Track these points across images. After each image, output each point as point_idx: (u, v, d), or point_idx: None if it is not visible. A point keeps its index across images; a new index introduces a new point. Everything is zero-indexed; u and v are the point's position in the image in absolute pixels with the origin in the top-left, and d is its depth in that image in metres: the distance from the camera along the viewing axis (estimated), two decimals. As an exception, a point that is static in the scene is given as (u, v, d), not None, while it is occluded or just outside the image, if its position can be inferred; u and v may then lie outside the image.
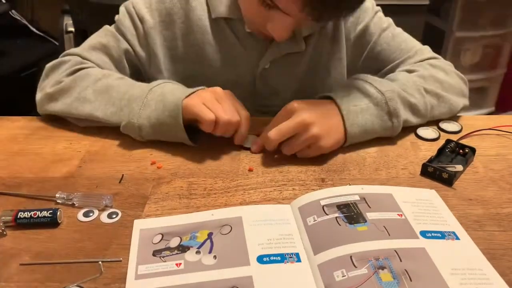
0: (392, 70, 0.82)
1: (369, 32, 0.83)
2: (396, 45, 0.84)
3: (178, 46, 0.81)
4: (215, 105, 0.66)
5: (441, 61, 0.82)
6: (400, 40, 0.84)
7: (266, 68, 0.81)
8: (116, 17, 0.82)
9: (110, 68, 0.80)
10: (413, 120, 0.73)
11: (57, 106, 0.74)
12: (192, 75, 0.81)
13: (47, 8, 2.15)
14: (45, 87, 0.76)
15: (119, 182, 0.63)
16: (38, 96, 0.77)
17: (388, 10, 2.12)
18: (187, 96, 0.66)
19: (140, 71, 0.83)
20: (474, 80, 2.23)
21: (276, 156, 0.68)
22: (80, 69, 0.75)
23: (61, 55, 0.80)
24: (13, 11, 2.12)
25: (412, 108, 0.72)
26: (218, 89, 0.68)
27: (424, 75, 0.76)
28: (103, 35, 0.81)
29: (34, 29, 2.12)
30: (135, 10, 0.79)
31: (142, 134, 0.70)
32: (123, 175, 0.64)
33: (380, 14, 0.86)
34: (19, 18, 2.13)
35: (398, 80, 0.74)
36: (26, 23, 2.13)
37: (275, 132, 0.65)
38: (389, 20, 0.86)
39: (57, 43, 1.99)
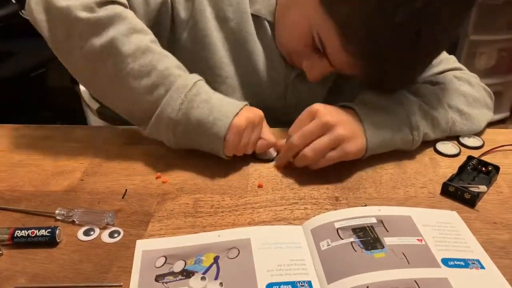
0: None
1: None
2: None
3: (222, 27, 0.74)
4: (248, 136, 0.63)
5: (466, 73, 0.79)
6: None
7: (297, 78, 0.78)
8: None
9: (141, 13, 0.69)
10: (432, 135, 0.69)
11: (79, 44, 0.61)
12: (218, 72, 0.76)
13: (57, 8, 2.14)
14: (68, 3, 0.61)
15: (122, 197, 0.60)
16: (58, 5, 0.61)
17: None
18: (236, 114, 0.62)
19: (160, 33, 0.72)
20: (488, 85, 2.15)
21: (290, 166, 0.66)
22: (113, 2, 0.63)
23: None
24: (22, 11, 2.11)
25: (433, 122, 0.68)
26: (258, 115, 0.64)
27: (448, 88, 0.73)
28: None
29: (43, 30, 2.11)
30: None
31: (175, 132, 0.63)
32: (126, 190, 0.61)
33: None
34: (28, 19, 2.13)
35: (421, 92, 0.70)
36: (36, 23, 2.12)
37: (298, 136, 0.62)
38: None
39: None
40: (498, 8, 2.00)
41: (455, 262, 0.49)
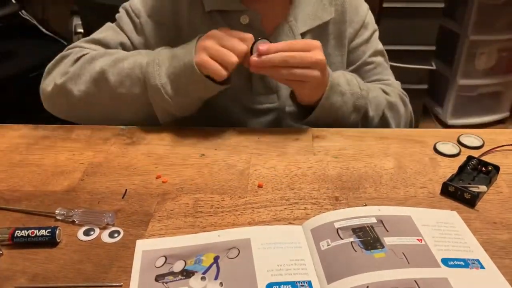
0: None
1: (362, 50, 0.86)
2: (379, 70, 0.87)
3: (173, 42, 0.79)
4: (221, 52, 0.66)
5: (407, 101, 0.87)
6: (383, 67, 0.88)
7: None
8: (116, 15, 0.83)
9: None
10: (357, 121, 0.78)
11: (72, 97, 0.74)
12: None
13: (57, 8, 2.14)
14: (50, 83, 0.77)
15: (122, 197, 0.60)
16: (47, 91, 0.77)
17: (403, 13, 2.10)
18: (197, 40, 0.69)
19: None
20: (488, 85, 2.18)
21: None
22: (82, 56, 0.76)
23: (60, 54, 0.81)
24: (23, 11, 2.11)
25: (366, 115, 0.78)
26: (214, 32, 0.69)
27: (391, 102, 0.82)
28: (102, 30, 0.83)
29: (43, 30, 2.11)
30: (131, 7, 0.81)
31: (168, 93, 0.70)
32: (126, 190, 0.61)
33: (377, 34, 0.88)
34: (29, 19, 2.12)
35: (371, 90, 0.79)
36: (36, 23, 2.12)
37: (283, 45, 0.66)
38: (380, 44, 0.89)
39: (66, 44, 1.98)
40: (498, 8, 1.99)
41: (455, 262, 0.49)
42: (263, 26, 0.77)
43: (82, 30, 1.73)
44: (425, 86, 2.07)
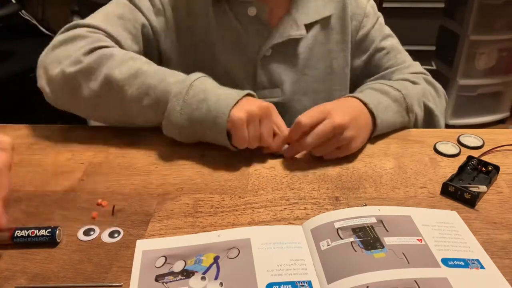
0: (385, 77, 0.83)
1: (370, 38, 0.85)
2: (392, 54, 0.85)
3: (183, 27, 0.79)
4: (255, 129, 0.64)
5: (433, 80, 0.85)
6: (397, 51, 0.86)
7: (267, 56, 0.80)
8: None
9: (127, 43, 0.74)
10: (420, 112, 0.77)
11: (80, 93, 0.67)
12: (194, 59, 0.80)
13: (57, 8, 2.14)
14: (55, 64, 0.68)
15: (112, 214, 0.58)
16: (52, 74, 0.68)
17: (403, 13, 2.10)
18: (234, 105, 0.63)
19: (151, 49, 0.79)
20: (488, 85, 2.18)
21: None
22: (100, 47, 0.69)
23: (70, 25, 0.73)
24: (23, 11, 2.11)
25: (416, 116, 0.76)
26: (264, 106, 0.65)
27: (424, 89, 0.80)
28: (117, 6, 0.76)
29: (43, 29, 2.11)
30: None
31: (182, 134, 0.67)
32: (114, 206, 0.58)
33: (381, 20, 0.87)
34: (29, 18, 2.12)
35: (405, 86, 0.76)
36: (36, 23, 2.12)
37: (313, 137, 0.64)
38: (388, 28, 0.88)
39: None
40: (498, 8, 2.00)
41: (455, 262, 0.49)
42: (268, 18, 0.78)
43: (82, 30, 1.73)
44: (425, 86, 2.07)
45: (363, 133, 0.68)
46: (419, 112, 0.77)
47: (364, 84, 0.81)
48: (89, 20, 0.74)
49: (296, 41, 0.80)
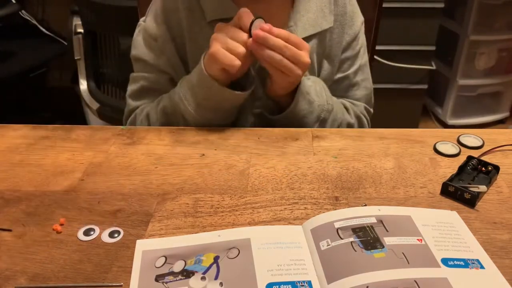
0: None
1: (349, 63, 0.86)
2: (355, 88, 0.88)
3: (184, 55, 0.82)
4: (229, 44, 0.68)
5: (365, 120, 0.89)
6: (360, 87, 0.89)
7: (264, 68, 0.79)
8: (133, 52, 0.84)
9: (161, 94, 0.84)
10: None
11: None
12: None
13: (57, 8, 2.15)
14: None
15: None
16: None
17: (403, 13, 2.10)
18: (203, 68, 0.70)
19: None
20: (488, 85, 2.18)
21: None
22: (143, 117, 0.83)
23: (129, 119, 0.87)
24: (23, 11, 2.11)
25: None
26: (215, 35, 0.70)
27: (348, 121, 0.84)
28: (141, 77, 0.84)
29: (43, 30, 2.11)
30: (148, 32, 0.82)
31: (202, 117, 0.75)
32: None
33: (364, 49, 0.89)
34: (29, 18, 2.13)
35: (335, 106, 0.81)
36: (36, 23, 2.12)
37: (284, 32, 0.68)
38: (366, 56, 0.90)
39: (66, 44, 1.98)
40: (498, 8, 2.00)
41: (455, 262, 0.49)
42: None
43: (82, 30, 1.73)
44: (425, 86, 2.07)
45: (294, 84, 0.74)
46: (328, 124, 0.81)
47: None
48: (131, 103, 0.86)
49: None
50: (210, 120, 0.76)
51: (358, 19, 0.86)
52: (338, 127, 0.82)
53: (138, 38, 0.84)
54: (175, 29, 0.80)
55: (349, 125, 0.84)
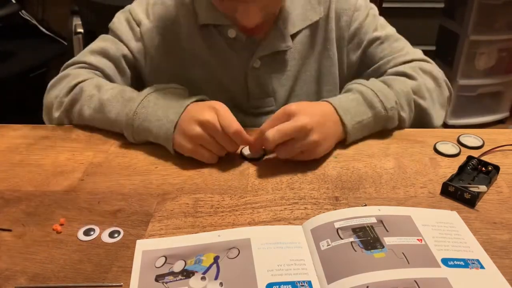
0: (380, 68, 0.82)
1: (363, 31, 0.83)
2: (387, 43, 0.83)
3: (172, 50, 0.81)
4: (210, 143, 0.65)
5: (433, 67, 0.82)
6: (392, 39, 0.84)
7: (257, 68, 0.80)
8: (111, 24, 0.84)
9: (111, 70, 0.82)
10: (403, 113, 0.74)
11: (73, 123, 0.79)
12: (187, 78, 0.80)
13: (57, 8, 2.14)
14: (51, 108, 0.78)
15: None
16: (52, 117, 0.78)
17: (403, 13, 2.10)
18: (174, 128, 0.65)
19: (140, 73, 0.85)
20: (488, 85, 2.18)
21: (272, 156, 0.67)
22: (76, 84, 0.76)
23: (63, 66, 0.83)
24: (23, 11, 2.11)
25: (400, 121, 0.74)
26: (208, 112, 0.64)
27: (417, 83, 0.76)
28: (101, 40, 0.84)
29: (43, 30, 2.11)
30: (132, 15, 0.82)
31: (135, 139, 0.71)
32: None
33: (374, 12, 0.85)
34: (29, 18, 2.12)
35: (394, 88, 0.73)
36: (36, 23, 2.12)
37: (274, 133, 0.62)
38: (383, 19, 0.86)
39: (66, 44, 1.98)
40: (498, 8, 2.00)
41: (455, 262, 0.49)
42: (254, 34, 0.78)
43: (82, 30, 1.73)
44: (425, 86, 2.07)
45: (329, 139, 0.67)
46: (406, 116, 0.74)
47: (354, 83, 0.76)
48: (76, 57, 0.82)
49: (283, 51, 0.80)
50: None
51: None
52: (415, 103, 0.75)
53: (120, 15, 0.84)
54: (169, 23, 0.80)
55: (419, 89, 0.76)
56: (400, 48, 0.83)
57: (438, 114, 0.79)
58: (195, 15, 0.79)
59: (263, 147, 0.67)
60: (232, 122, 0.63)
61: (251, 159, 0.68)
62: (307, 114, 0.63)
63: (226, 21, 0.77)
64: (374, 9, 0.86)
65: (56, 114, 0.77)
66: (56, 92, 0.78)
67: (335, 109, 0.68)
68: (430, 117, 0.78)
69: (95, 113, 0.73)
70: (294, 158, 0.65)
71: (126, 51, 0.82)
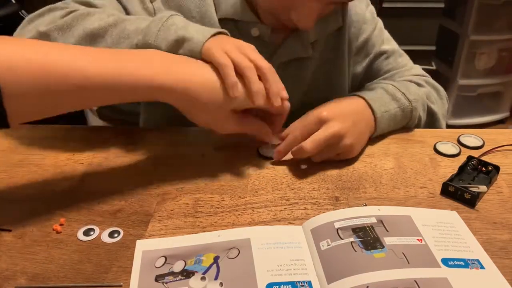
0: (386, 79, 0.83)
1: (371, 44, 0.84)
2: (393, 58, 0.85)
3: None
4: (235, 53, 0.59)
5: (435, 82, 0.86)
6: (397, 54, 0.86)
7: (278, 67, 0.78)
8: None
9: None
10: (421, 110, 0.76)
11: None
12: None
13: (57, 8, 2.14)
14: (30, 30, 0.64)
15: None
16: (28, 36, 0.64)
17: (403, 13, 2.10)
18: (208, 39, 0.60)
19: None
20: (488, 85, 2.18)
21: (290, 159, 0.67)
22: (76, 10, 0.65)
23: (48, 6, 0.68)
24: (23, 11, 2.11)
25: (418, 119, 0.76)
26: (241, 42, 0.62)
27: (428, 91, 0.81)
28: None
29: (43, 30, 2.11)
30: None
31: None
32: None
33: (380, 25, 0.87)
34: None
35: (410, 88, 0.75)
36: (36, 23, 2.12)
37: (311, 145, 0.63)
38: (387, 32, 0.88)
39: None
40: (498, 8, 2.00)
41: (455, 262, 0.49)
42: (272, 38, 0.76)
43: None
44: (425, 86, 2.07)
45: (363, 138, 0.69)
46: (423, 116, 0.77)
47: (377, 82, 0.79)
48: (65, 2, 0.70)
49: (302, 58, 0.79)
50: None
51: (360, 5, 0.83)
52: (428, 108, 0.78)
53: None
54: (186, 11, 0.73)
55: (429, 96, 0.80)
56: (404, 63, 0.85)
57: (441, 123, 0.83)
58: (213, 7, 0.74)
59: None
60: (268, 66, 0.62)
61: (265, 157, 0.68)
62: (339, 120, 0.64)
63: (252, 18, 0.74)
64: (380, 22, 0.87)
65: (42, 28, 0.63)
66: (45, 19, 0.65)
67: (366, 101, 0.70)
68: (439, 123, 0.81)
69: (110, 26, 0.62)
70: (329, 159, 0.67)
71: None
